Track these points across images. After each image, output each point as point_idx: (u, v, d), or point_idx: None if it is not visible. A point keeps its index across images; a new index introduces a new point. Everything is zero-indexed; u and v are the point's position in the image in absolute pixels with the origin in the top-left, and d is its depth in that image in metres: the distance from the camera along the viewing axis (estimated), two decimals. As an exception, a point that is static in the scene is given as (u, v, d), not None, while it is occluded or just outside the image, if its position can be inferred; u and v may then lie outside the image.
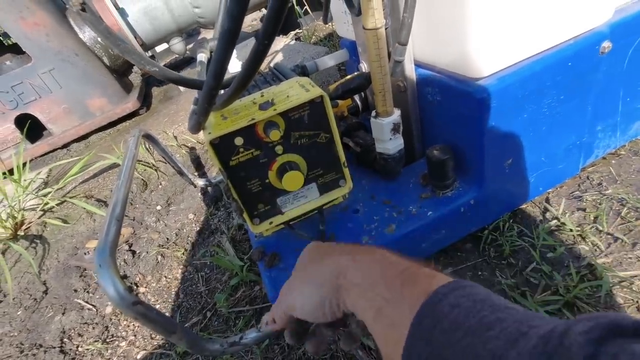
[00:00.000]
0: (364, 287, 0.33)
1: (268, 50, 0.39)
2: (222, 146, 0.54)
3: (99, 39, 1.82)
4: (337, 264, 0.36)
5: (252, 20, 3.03)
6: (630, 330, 0.21)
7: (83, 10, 0.40)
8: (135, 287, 1.05)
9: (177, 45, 2.11)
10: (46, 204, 1.42)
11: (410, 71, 0.71)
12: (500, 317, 0.25)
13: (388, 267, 0.33)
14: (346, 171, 0.63)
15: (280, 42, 1.99)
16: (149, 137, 1.05)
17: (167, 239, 1.19)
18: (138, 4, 1.85)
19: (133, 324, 0.96)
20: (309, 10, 2.34)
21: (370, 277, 0.33)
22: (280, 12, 0.34)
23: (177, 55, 2.29)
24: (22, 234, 1.36)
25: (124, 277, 1.09)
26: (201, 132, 0.57)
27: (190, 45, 2.82)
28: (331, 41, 2.23)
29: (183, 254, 1.10)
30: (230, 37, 0.36)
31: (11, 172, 1.51)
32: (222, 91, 0.51)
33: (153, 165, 1.47)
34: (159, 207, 1.32)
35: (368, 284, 0.33)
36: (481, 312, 0.26)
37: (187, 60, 2.64)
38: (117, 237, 0.59)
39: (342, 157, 0.61)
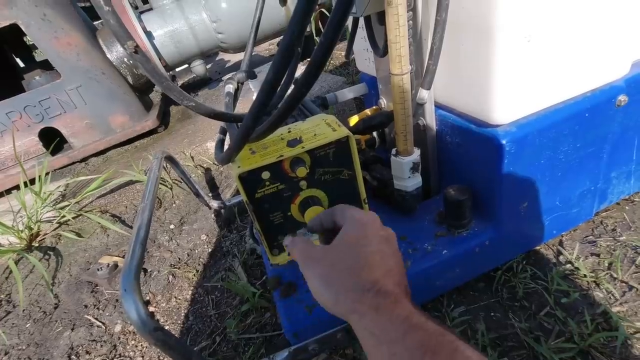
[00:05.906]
0: (380, 340, 0.33)
1: (304, 97, 0.42)
2: (249, 179, 0.56)
3: (125, 59, 1.90)
4: (361, 296, 0.35)
5: (269, 45, 3.13)
6: None
7: (136, 52, 0.44)
8: (145, 306, 1.06)
9: (198, 67, 2.20)
10: (63, 216, 1.44)
11: (431, 112, 0.74)
12: None
13: (411, 330, 0.33)
14: (366, 207, 0.65)
15: (297, 71, 2.05)
16: (170, 159, 1.09)
17: (179, 258, 1.20)
18: (165, 28, 1.93)
19: (141, 344, 0.96)
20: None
21: (390, 333, 0.33)
22: (321, 65, 0.37)
23: (195, 75, 2.38)
24: (37, 245, 1.38)
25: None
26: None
27: (209, 66, 2.91)
28: (346, 69, 2.30)
29: (194, 275, 1.11)
30: (272, 86, 0.39)
31: (31, 182, 1.55)
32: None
33: (169, 182, 1.50)
34: (172, 226, 1.34)
35: (386, 339, 0.33)
36: None
37: (206, 81, 2.72)
38: (141, 261, 0.61)
39: (363, 193, 0.63)
